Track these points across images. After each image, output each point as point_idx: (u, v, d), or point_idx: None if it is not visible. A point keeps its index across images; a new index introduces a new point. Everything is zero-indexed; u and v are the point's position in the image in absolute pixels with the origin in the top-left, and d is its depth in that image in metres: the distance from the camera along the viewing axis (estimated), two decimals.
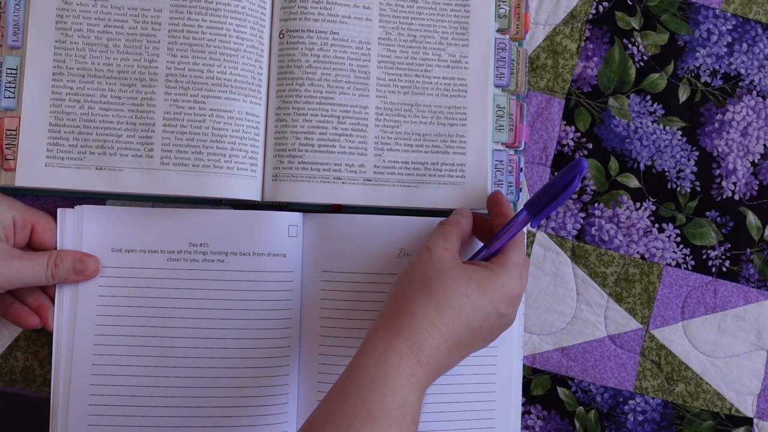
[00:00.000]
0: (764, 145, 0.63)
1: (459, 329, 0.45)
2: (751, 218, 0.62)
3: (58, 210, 0.55)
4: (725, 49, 0.63)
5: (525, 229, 0.54)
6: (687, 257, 0.62)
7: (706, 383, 0.62)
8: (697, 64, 0.63)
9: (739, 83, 0.63)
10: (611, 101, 0.62)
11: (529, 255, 0.61)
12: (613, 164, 0.62)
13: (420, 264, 0.46)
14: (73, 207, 0.55)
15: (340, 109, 0.57)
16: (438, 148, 0.58)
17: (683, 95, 0.62)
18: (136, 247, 0.56)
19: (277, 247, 0.56)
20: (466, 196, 0.57)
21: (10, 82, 0.54)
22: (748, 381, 0.62)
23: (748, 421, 0.62)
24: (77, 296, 0.55)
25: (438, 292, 0.45)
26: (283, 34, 0.57)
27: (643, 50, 0.62)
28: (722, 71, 0.63)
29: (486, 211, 0.57)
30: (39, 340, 0.58)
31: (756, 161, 0.63)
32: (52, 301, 0.55)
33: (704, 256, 0.62)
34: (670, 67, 0.62)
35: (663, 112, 0.62)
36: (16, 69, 0.54)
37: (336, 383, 0.45)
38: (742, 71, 0.63)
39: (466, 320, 0.46)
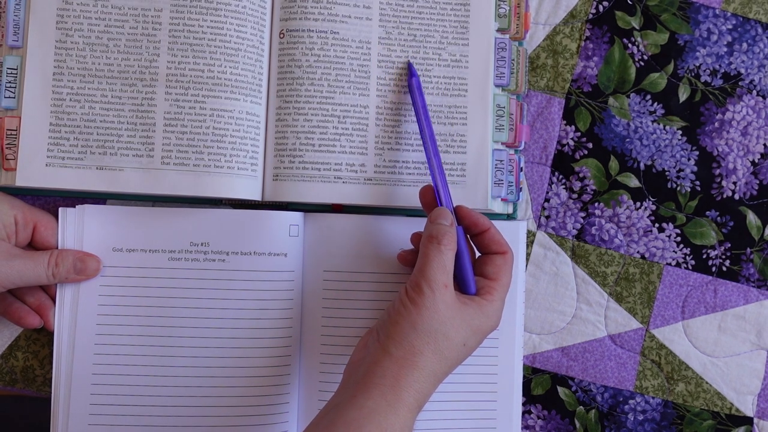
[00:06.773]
0: (764, 144, 0.63)
1: (449, 371, 0.49)
2: (751, 218, 0.62)
3: (60, 209, 0.55)
4: (725, 49, 0.63)
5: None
6: (687, 257, 0.62)
7: (707, 383, 0.62)
8: (697, 64, 0.63)
9: (739, 83, 0.63)
10: (611, 101, 0.62)
11: (529, 254, 0.61)
12: (613, 164, 0.62)
13: (425, 312, 0.47)
14: (74, 206, 0.56)
15: (341, 108, 0.57)
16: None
17: (683, 95, 0.62)
18: (137, 247, 0.56)
19: (278, 246, 0.56)
20: (467, 196, 0.57)
21: (10, 82, 0.54)
22: (748, 380, 0.62)
23: (748, 421, 0.62)
24: (78, 296, 0.55)
25: (443, 346, 0.47)
26: (283, 33, 0.57)
27: (643, 50, 0.62)
28: (722, 71, 0.63)
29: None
30: (39, 339, 0.58)
31: (756, 161, 0.63)
32: (53, 300, 0.55)
33: (704, 256, 0.62)
34: (670, 67, 0.62)
35: (663, 111, 0.62)
36: (17, 69, 0.54)
37: (335, 414, 0.45)
38: (742, 71, 0.63)
39: (457, 363, 0.49)
